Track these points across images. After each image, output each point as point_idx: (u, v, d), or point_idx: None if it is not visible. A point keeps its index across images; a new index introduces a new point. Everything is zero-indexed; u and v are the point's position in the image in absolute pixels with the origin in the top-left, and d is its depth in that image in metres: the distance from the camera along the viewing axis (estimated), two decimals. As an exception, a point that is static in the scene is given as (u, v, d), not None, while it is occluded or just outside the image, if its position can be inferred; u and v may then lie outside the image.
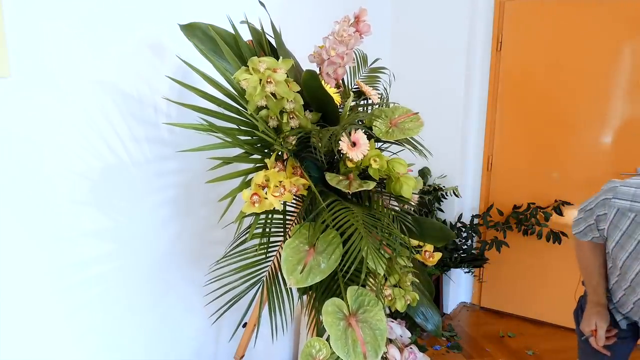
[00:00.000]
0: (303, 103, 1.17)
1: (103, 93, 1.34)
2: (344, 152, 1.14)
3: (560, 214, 2.65)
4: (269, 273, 1.29)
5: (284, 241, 1.28)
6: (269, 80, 1.10)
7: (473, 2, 2.61)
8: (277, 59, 1.17)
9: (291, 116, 1.18)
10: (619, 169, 2.48)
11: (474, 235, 2.77)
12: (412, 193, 1.22)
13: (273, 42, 1.30)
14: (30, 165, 1.20)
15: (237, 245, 1.30)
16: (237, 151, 1.21)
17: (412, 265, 1.35)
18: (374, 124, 1.23)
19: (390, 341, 1.29)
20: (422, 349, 2.55)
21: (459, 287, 3.05)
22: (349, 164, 1.19)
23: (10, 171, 1.16)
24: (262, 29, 1.30)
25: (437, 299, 2.91)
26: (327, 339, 1.11)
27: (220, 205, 1.75)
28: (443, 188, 2.76)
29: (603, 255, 1.42)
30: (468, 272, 2.98)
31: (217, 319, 1.81)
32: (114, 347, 1.48)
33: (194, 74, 1.17)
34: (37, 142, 1.21)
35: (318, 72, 1.34)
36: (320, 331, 1.19)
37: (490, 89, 2.76)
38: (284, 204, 1.23)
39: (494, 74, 2.73)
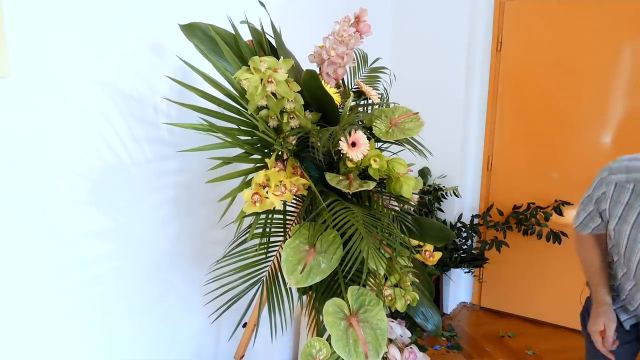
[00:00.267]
0: (303, 103, 1.17)
1: (103, 93, 1.34)
2: (344, 152, 1.14)
3: (560, 214, 2.65)
4: (268, 273, 1.29)
5: (284, 241, 1.28)
6: (269, 80, 1.10)
7: (473, 2, 2.61)
8: (277, 58, 1.17)
9: (291, 116, 1.18)
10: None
11: (474, 235, 2.77)
12: (412, 193, 1.22)
13: (273, 42, 1.30)
14: (30, 165, 1.20)
15: (237, 245, 1.30)
16: (237, 151, 1.21)
17: (412, 265, 1.35)
18: (374, 124, 1.23)
19: (390, 341, 1.29)
20: (422, 348, 2.55)
21: (459, 287, 3.05)
22: (349, 164, 1.19)
23: (10, 171, 1.16)
24: (262, 29, 1.30)
25: (437, 299, 2.91)
26: (327, 339, 1.11)
27: (220, 205, 1.75)
28: (443, 188, 2.76)
29: (604, 248, 1.42)
30: (468, 272, 2.98)
31: (216, 319, 1.81)
32: (114, 347, 1.48)
33: (194, 74, 1.17)
34: (37, 142, 1.21)
35: (318, 72, 1.34)
36: (320, 331, 1.19)
37: (490, 89, 2.76)
38: (284, 203, 1.23)
39: (494, 74, 2.73)
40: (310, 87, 1.16)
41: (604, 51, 2.42)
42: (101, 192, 1.37)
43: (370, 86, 1.53)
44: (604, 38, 2.40)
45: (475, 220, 2.81)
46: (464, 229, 2.76)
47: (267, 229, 1.24)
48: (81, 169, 1.31)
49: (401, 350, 1.30)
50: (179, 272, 1.66)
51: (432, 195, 2.74)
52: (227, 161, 1.16)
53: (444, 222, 2.80)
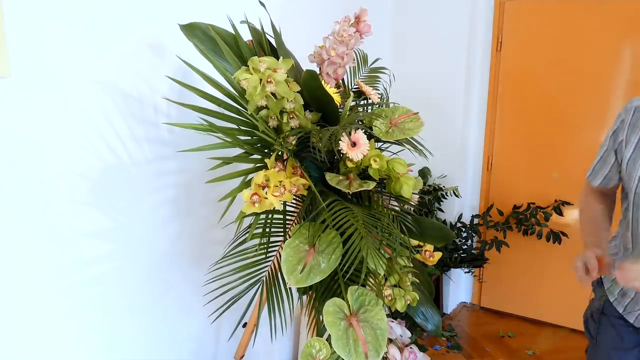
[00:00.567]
0: (303, 103, 1.17)
1: (103, 93, 1.34)
2: (344, 152, 1.14)
3: (560, 214, 2.65)
4: (268, 273, 1.29)
5: (284, 241, 1.28)
6: (269, 80, 1.10)
7: (473, 2, 2.61)
8: (277, 59, 1.17)
9: (291, 116, 1.18)
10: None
11: (474, 235, 2.77)
12: (412, 193, 1.22)
13: (273, 42, 1.30)
14: (30, 165, 1.20)
15: (237, 245, 1.30)
16: (237, 151, 1.21)
17: (412, 265, 1.35)
18: (374, 124, 1.23)
19: (390, 341, 1.29)
20: (422, 348, 2.55)
21: (459, 287, 3.05)
22: (349, 164, 1.19)
23: (10, 171, 1.16)
24: (262, 29, 1.30)
25: (437, 299, 2.91)
26: (327, 339, 1.11)
27: (220, 205, 1.75)
28: (443, 188, 2.76)
29: (609, 208, 1.37)
30: (468, 272, 2.98)
31: (216, 319, 1.81)
32: (114, 347, 1.48)
33: (194, 74, 1.17)
34: (37, 142, 1.21)
35: (318, 72, 1.34)
36: (320, 331, 1.19)
37: (490, 89, 2.76)
38: (284, 204, 1.23)
39: (494, 74, 2.73)
40: (310, 87, 1.16)
41: (604, 51, 2.42)
42: (101, 192, 1.37)
43: (370, 86, 1.53)
44: (604, 38, 2.40)
45: (475, 220, 2.81)
46: (464, 229, 2.76)
47: (267, 229, 1.24)
48: (81, 169, 1.31)
49: (401, 350, 1.30)
50: (178, 272, 1.66)
51: (432, 195, 2.74)
52: (227, 161, 1.16)
53: (444, 222, 2.80)
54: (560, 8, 2.48)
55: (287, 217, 1.31)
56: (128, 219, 1.46)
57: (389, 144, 1.38)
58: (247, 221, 1.45)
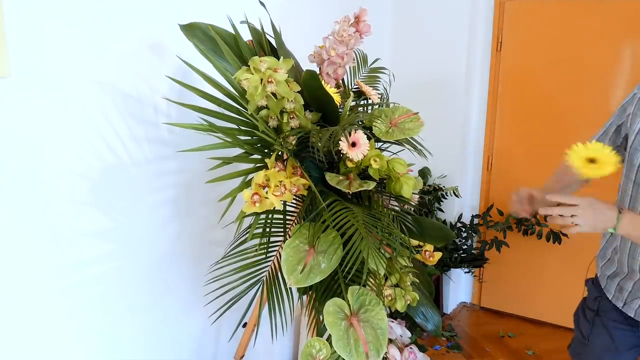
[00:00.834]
0: (303, 103, 1.17)
1: (103, 93, 1.34)
2: (344, 152, 1.14)
3: (560, 214, 2.64)
4: (269, 273, 1.29)
5: (284, 241, 1.28)
6: (269, 80, 1.10)
7: (473, 2, 2.61)
8: (277, 59, 1.17)
9: (291, 116, 1.18)
10: (618, 169, 2.48)
11: (474, 235, 2.76)
12: (412, 193, 1.22)
13: (273, 42, 1.30)
14: (30, 165, 1.20)
15: (237, 245, 1.30)
16: (237, 151, 1.21)
17: (412, 265, 1.35)
18: (374, 124, 1.23)
19: (390, 341, 1.29)
20: (422, 349, 2.55)
21: (459, 287, 3.05)
22: (349, 164, 1.19)
23: (10, 171, 1.16)
24: (262, 29, 1.30)
25: (437, 299, 2.90)
26: (328, 339, 1.10)
27: (220, 205, 1.75)
28: (443, 188, 2.76)
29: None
30: (468, 272, 2.98)
31: (217, 319, 1.81)
32: (114, 347, 1.48)
33: (194, 74, 1.17)
34: (37, 142, 1.20)
35: (318, 72, 1.34)
36: (320, 331, 1.19)
37: (490, 89, 2.76)
38: (284, 204, 1.23)
39: (494, 74, 2.73)
40: (310, 87, 1.16)
41: (603, 51, 2.42)
42: (101, 192, 1.37)
43: (370, 86, 1.53)
44: (604, 38, 2.40)
45: (475, 220, 2.81)
46: (464, 229, 2.76)
47: (267, 229, 1.24)
48: (81, 169, 1.31)
49: (401, 350, 1.30)
50: (179, 272, 1.66)
51: (432, 195, 2.74)
52: (227, 161, 1.16)
53: (444, 222, 2.80)
54: (560, 8, 2.48)
55: (287, 217, 1.31)
56: (128, 219, 1.46)
57: (389, 144, 1.38)
58: (247, 221, 1.45)
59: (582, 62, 2.47)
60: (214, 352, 1.87)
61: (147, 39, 1.43)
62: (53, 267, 1.28)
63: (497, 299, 2.97)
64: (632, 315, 1.30)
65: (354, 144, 1.14)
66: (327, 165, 1.30)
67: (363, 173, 1.24)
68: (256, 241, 1.26)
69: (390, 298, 1.29)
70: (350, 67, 1.52)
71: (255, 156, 1.21)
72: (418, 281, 1.39)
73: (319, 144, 1.10)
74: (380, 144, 1.36)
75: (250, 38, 1.28)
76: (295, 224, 1.29)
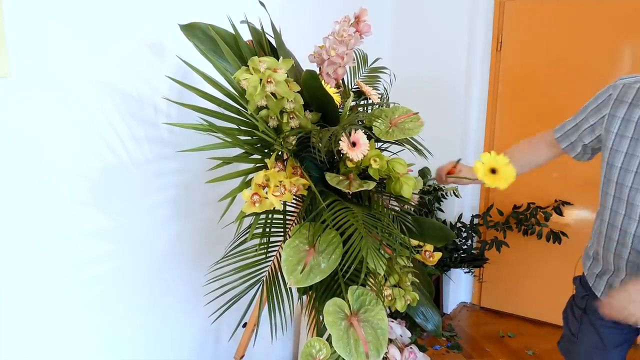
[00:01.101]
0: (303, 103, 1.17)
1: (103, 93, 1.34)
2: (344, 152, 1.14)
3: (560, 214, 2.65)
4: (269, 273, 1.29)
5: (284, 241, 1.28)
6: (269, 80, 1.10)
7: (473, 2, 2.61)
8: (277, 59, 1.17)
9: (291, 116, 1.18)
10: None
11: (474, 235, 2.76)
12: (412, 193, 1.22)
13: (273, 42, 1.30)
14: (30, 165, 1.20)
15: (237, 245, 1.30)
16: (237, 151, 1.21)
17: (412, 265, 1.35)
18: (374, 124, 1.23)
19: (390, 341, 1.29)
20: (422, 349, 2.55)
21: (459, 287, 3.05)
22: (349, 164, 1.19)
23: (10, 171, 1.16)
24: (262, 29, 1.30)
25: (437, 299, 2.90)
26: (327, 339, 1.10)
27: (220, 205, 1.75)
28: (443, 188, 2.76)
29: (546, 161, 1.50)
30: (468, 272, 2.98)
31: (216, 319, 1.81)
32: (114, 347, 1.48)
33: (194, 74, 1.17)
34: (37, 142, 1.20)
35: (318, 72, 1.34)
36: (320, 331, 1.19)
37: (490, 89, 2.76)
38: (284, 204, 1.23)
39: (494, 74, 2.73)
40: (310, 87, 1.16)
41: (604, 51, 2.42)
42: (101, 192, 1.37)
43: (370, 86, 1.53)
44: (604, 38, 2.40)
45: (475, 220, 2.81)
46: (464, 229, 2.76)
47: (267, 229, 1.24)
48: (81, 169, 1.31)
49: (401, 350, 1.30)
50: (179, 272, 1.66)
51: (432, 195, 2.74)
52: (227, 161, 1.16)
53: (444, 222, 2.80)
54: (560, 8, 2.48)
55: (287, 217, 1.31)
56: (128, 219, 1.46)
57: (389, 144, 1.38)
58: (247, 221, 1.45)
59: (582, 62, 2.47)
60: (214, 352, 1.87)
61: (147, 39, 1.43)
62: (53, 267, 1.28)
63: (497, 299, 2.97)
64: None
65: (354, 144, 1.14)
66: (327, 165, 1.30)
67: (363, 173, 1.24)
68: (256, 241, 1.26)
69: (390, 298, 1.29)
70: (350, 67, 1.52)
71: (255, 156, 1.21)
72: (418, 281, 1.39)
73: (319, 144, 1.10)
74: (380, 144, 1.36)
75: (250, 38, 1.28)
76: (295, 224, 1.29)
